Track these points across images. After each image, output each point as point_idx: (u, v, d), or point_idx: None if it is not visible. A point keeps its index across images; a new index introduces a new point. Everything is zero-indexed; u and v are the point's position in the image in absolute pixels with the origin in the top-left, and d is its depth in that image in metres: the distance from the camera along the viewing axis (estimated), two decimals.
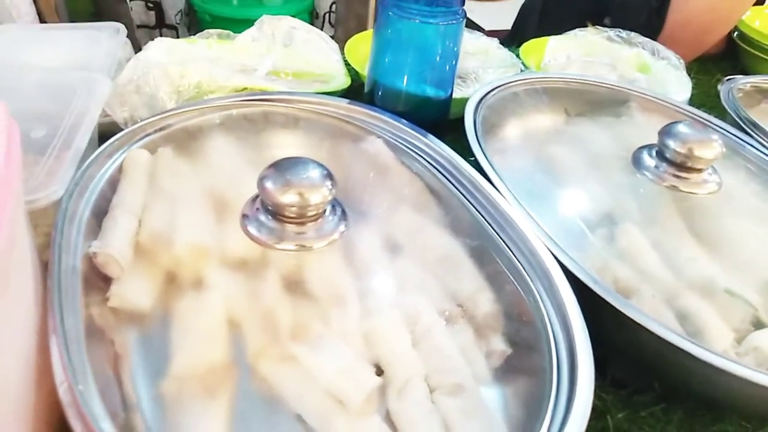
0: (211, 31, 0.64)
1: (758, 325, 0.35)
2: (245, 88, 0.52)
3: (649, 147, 0.45)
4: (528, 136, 0.51)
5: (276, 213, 0.32)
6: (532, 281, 0.33)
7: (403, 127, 0.45)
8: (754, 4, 0.88)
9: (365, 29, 2.11)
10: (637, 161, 0.45)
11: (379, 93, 0.47)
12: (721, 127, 0.51)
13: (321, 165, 0.33)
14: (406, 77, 0.46)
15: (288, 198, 0.32)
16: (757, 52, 0.80)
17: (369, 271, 0.35)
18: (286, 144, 0.45)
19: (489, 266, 0.35)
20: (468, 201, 0.39)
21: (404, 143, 0.44)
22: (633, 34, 0.73)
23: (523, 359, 0.31)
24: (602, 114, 0.54)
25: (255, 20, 0.64)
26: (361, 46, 0.64)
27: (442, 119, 0.47)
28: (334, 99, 0.47)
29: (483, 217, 0.37)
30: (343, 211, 0.35)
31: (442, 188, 0.41)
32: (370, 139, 0.45)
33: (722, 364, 0.28)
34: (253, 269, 0.33)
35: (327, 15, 2.10)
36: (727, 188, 0.42)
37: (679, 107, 0.54)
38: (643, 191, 0.42)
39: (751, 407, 0.33)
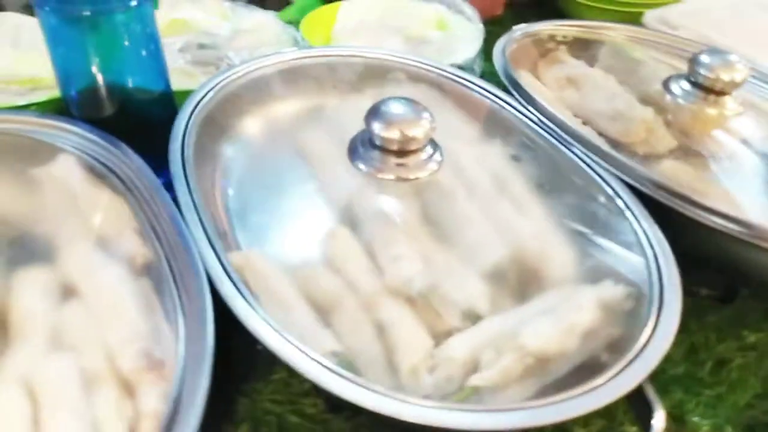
0: None
1: (474, 318, 0.31)
2: None
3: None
4: (273, 127, 0.45)
5: None
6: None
7: (97, 139, 0.38)
8: None
9: None
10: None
11: (75, 101, 0.40)
12: (483, 89, 0.47)
13: None
14: (98, 79, 0.39)
15: None
16: None
17: None
18: None
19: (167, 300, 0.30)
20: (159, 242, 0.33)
21: (100, 158, 0.38)
22: None
23: None
24: (368, 88, 0.49)
25: None
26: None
27: (167, 118, 0.41)
28: (21, 113, 0.40)
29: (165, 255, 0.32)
30: None
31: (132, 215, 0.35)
32: (60, 158, 0.38)
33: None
34: None
35: None
36: (457, 165, 0.38)
37: (444, 71, 0.49)
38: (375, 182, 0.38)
39: None
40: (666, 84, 0.48)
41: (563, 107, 0.53)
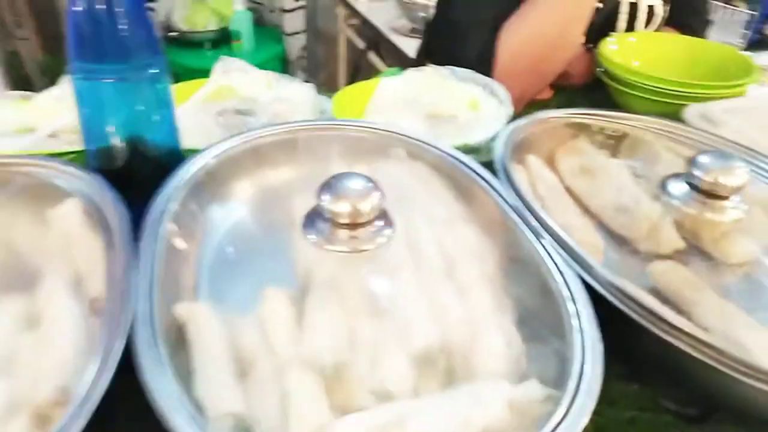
0: (13, 93, 0.64)
1: (387, 398, 0.31)
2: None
3: None
4: (262, 195, 0.48)
5: None
6: None
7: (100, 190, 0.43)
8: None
9: (337, 72, 2.13)
10: None
11: (92, 154, 0.45)
12: (474, 171, 0.47)
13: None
14: (114, 138, 0.44)
15: None
16: (620, 86, 0.75)
17: None
18: None
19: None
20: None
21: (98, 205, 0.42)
22: (468, 71, 0.71)
23: None
24: (363, 162, 0.51)
25: None
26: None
27: None
28: (49, 159, 0.46)
29: None
30: None
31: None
32: (67, 202, 0.43)
33: None
34: None
35: (298, 60, 2.14)
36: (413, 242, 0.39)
37: (443, 151, 0.50)
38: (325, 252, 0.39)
39: None
40: (664, 184, 0.46)
41: (565, 196, 0.52)
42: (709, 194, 0.43)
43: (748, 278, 0.46)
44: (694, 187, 0.44)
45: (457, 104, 0.68)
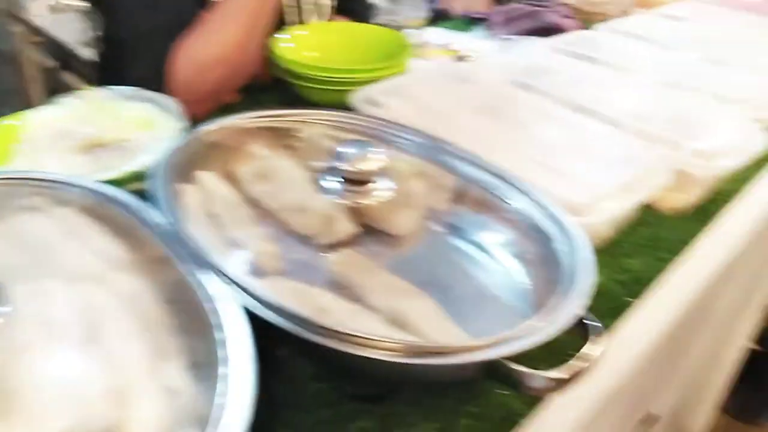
0: None
1: None
2: None
3: None
4: None
5: None
6: None
7: None
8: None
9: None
10: None
11: None
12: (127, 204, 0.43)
13: None
14: None
15: None
16: (296, 80, 0.76)
17: None
18: None
19: None
20: None
21: None
22: (135, 89, 0.65)
23: None
24: None
25: None
26: None
27: None
28: None
29: None
30: None
31: None
32: None
33: None
34: None
35: None
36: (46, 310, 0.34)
37: (90, 188, 0.45)
38: None
39: None
40: (317, 178, 0.48)
41: (243, 207, 0.51)
42: (354, 182, 0.45)
43: (416, 247, 0.50)
44: (340, 176, 0.46)
45: (126, 127, 0.62)
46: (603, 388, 0.44)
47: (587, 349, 0.36)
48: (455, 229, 0.52)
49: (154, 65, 0.72)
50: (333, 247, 0.48)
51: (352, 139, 0.48)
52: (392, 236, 0.51)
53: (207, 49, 0.73)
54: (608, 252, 0.56)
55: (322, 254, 0.47)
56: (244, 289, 0.36)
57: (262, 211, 0.52)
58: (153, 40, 0.74)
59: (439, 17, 1.44)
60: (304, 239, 0.49)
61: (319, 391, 0.39)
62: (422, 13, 1.96)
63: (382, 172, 0.46)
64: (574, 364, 0.35)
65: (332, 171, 0.47)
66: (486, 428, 0.37)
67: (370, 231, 0.50)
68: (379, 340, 0.33)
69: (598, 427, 0.47)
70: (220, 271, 0.37)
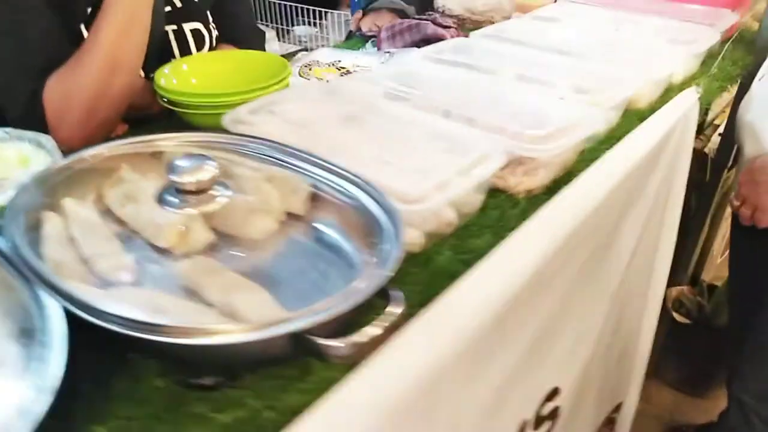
0: None
1: None
2: None
3: None
4: None
5: None
6: None
7: None
8: None
9: None
10: None
11: None
12: None
13: None
14: None
15: None
16: (179, 109, 0.80)
17: None
18: None
19: None
20: None
21: None
22: (10, 129, 0.68)
23: None
24: None
25: None
26: None
27: None
28: None
29: None
30: None
31: None
32: None
33: None
34: None
35: None
36: None
37: None
38: None
39: None
40: (160, 195, 0.52)
41: (103, 228, 0.54)
42: (190, 192, 0.50)
43: (270, 249, 0.55)
44: (179, 190, 0.50)
45: (6, 166, 0.66)
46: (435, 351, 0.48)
47: (386, 313, 0.41)
48: (309, 229, 0.57)
49: (29, 105, 0.75)
50: (189, 255, 0.52)
51: (186, 154, 0.53)
52: (250, 241, 0.55)
53: (74, 79, 0.75)
54: (456, 235, 0.61)
55: (176, 263, 0.51)
56: (70, 299, 0.39)
57: (129, 231, 0.56)
58: (25, 81, 0.76)
59: (348, 38, 1.51)
60: (165, 252, 0.53)
61: (161, 385, 0.43)
62: (343, 36, 2.07)
63: (223, 181, 0.50)
64: (369, 329, 0.39)
65: (171, 185, 0.52)
66: (309, 400, 0.41)
67: (229, 238, 0.54)
68: (183, 328, 0.37)
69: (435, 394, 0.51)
70: (53, 286, 0.41)
